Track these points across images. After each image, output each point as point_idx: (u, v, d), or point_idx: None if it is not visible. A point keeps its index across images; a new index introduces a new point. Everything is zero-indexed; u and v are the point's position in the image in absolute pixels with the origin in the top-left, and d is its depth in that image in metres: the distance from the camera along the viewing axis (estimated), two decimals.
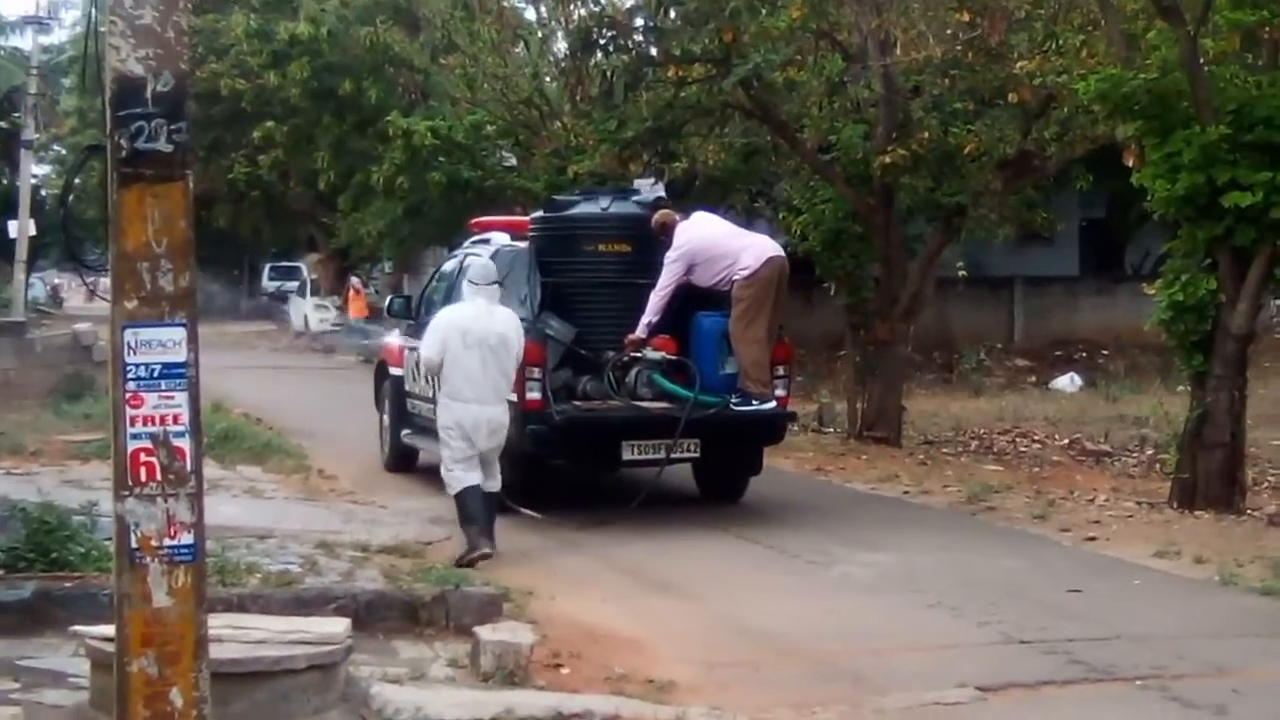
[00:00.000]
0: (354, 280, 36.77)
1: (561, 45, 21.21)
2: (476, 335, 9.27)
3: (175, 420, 4.14)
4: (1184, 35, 10.80)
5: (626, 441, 10.77)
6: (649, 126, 15.60)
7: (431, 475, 10.48)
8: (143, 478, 4.10)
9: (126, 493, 4.11)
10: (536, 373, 10.43)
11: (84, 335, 19.26)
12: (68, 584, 7.07)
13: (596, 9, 17.83)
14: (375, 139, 29.49)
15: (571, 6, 19.12)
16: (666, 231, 11.11)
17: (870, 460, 14.55)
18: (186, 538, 4.13)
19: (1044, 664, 6.97)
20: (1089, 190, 18.91)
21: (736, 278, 10.91)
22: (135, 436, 4.11)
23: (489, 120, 24.14)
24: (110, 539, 4.35)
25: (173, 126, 4.10)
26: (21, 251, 32.29)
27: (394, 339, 13.77)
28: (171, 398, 4.14)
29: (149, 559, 4.10)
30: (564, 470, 11.76)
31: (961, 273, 21.11)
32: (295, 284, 42.94)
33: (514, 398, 9.76)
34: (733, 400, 10.82)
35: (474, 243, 12.77)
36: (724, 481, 11.84)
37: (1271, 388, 18.56)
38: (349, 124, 33.05)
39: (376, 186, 28.03)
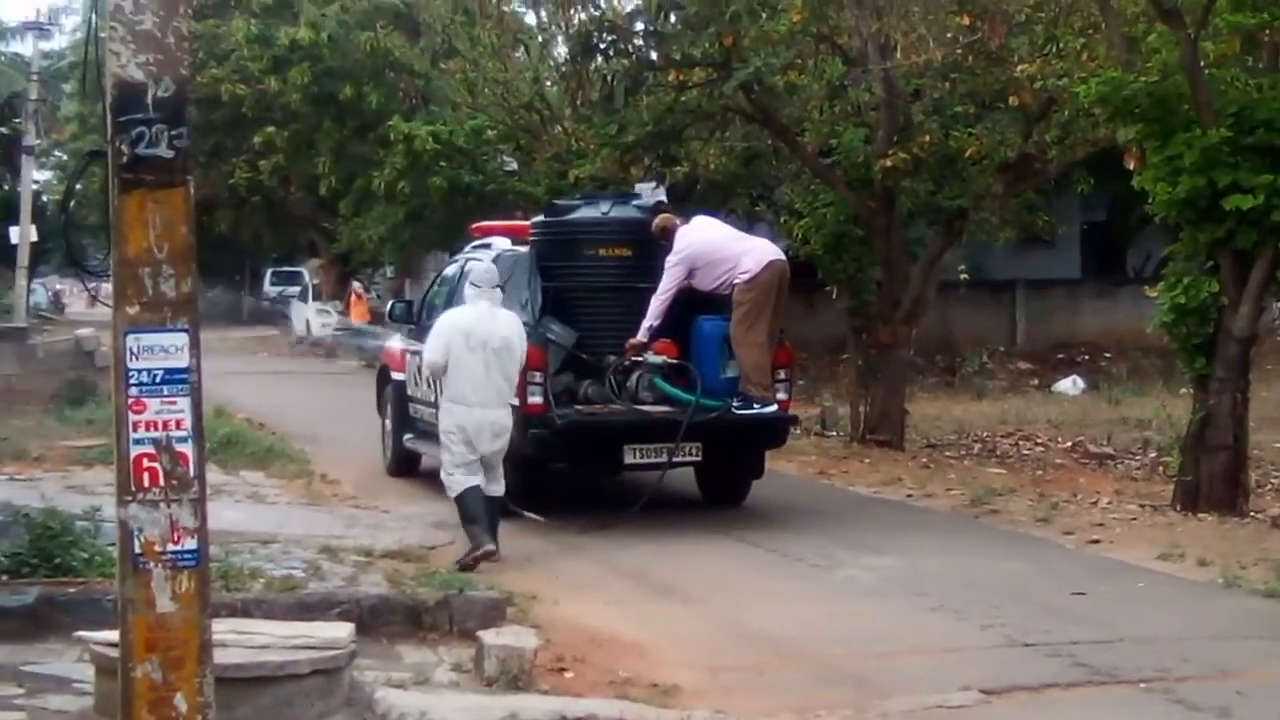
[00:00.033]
0: (355, 285, 36.80)
1: (562, 50, 21.25)
2: (479, 338, 9.25)
3: (178, 425, 4.14)
4: (1185, 38, 10.80)
5: (628, 445, 10.78)
6: (649, 131, 15.59)
7: (434, 480, 10.47)
8: (146, 483, 4.10)
9: (129, 498, 4.10)
10: (538, 377, 10.42)
11: (86, 341, 19.29)
12: (71, 589, 7.08)
13: (597, 13, 17.88)
14: (376, 144, 29.52)
15: (572, 11, 19.16)
16: (667, 236, 11.12)
17: (873, 463, 14.53)
18: (190, 543, 4.13)
19: (1048, 667, 6.96)
20: (1090, 193, 18.84)
21: (737, 281, 10.91)
22: (138, 442, 4.11)
23: (490, 125, 24.17)
24: (113, 544, 4.36)
25: (173, 132, 4.11)
26: (23, 257, 32.35)
27: (396, 344, 13.74)
28: (174, 403, 4.14)
29: (152, 564, 4.10)
30: (566, 474, 11.77)
31: (963, 276, 21.10)
32: (297, 289, 42.89)
33: (516, 401, 9.76)
34: (734, 404, 10.82)
35: (475, 247, 12.76)
36: (726, 485, 11.82)
37: (1274, 390, 18.57)
38: (350, 129, 33.07)
39: (377, 191, 28.04)
